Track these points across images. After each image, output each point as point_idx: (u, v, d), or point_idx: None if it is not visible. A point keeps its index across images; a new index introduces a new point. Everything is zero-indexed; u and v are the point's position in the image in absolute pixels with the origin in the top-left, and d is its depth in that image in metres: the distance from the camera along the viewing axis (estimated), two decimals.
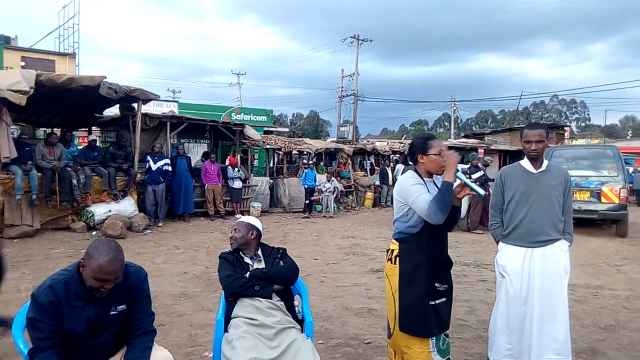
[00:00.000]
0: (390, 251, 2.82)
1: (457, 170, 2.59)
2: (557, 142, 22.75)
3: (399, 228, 2.77)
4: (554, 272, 3.14)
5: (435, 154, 2.69)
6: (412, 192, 2.63)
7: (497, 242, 3.38)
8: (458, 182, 2.61)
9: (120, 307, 2.21)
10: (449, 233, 2.85)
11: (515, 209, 3.23)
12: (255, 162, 15.65)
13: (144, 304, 2.31)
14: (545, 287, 3.13)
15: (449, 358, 2.77)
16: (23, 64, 20.08)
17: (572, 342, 3.99)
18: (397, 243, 2.77)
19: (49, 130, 11.91)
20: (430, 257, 2.66)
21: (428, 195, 2.57)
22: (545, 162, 3.25)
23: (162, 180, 10.59)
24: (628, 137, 53.94)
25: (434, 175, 2.78)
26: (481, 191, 2.60)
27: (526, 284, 3.16)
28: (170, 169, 10.85)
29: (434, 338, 2.68)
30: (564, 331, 3.15)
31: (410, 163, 2.89)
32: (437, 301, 2.68)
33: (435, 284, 2.67)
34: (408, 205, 2.68)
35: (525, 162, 3.27)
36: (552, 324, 3.12)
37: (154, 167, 10.49)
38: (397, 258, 2.74)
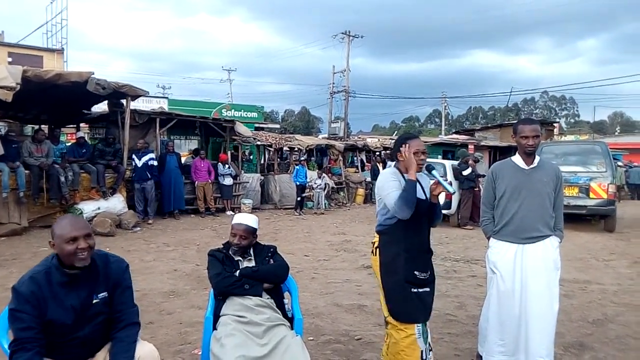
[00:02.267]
0: (373, 244, 2.95)
1: (433, 169, 2.82)
2: (546, 138, 22.98)
3: (379, 221, 2.91)
4: (544, 268, 3.15)
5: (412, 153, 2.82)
6: (386, 187, 2.80)
7: (488, 238, 3.39)
8: (433, 180, 2.80)
9: (101, 294, 2.21)
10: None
11: (507, 205, 3.23)
12: (252, 157, 15.57)
13: (126, 295, 2.30)
14: (536, 284, 3.13)
15: (429, 347, 2.84)
16: (10, 60, 19.82)
17: (561, 336, 4.05)
18: (378, 235, 2.91)
19: (36, 127, 11.77)
20: (409, 248, 2.78)
21: (397, 192, 2.73)
22: (537, 158, 3.25)
23: (149, 176, 10.50)
24: (616, 133, 54.52)
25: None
26: (451, 189, 2.76)
27: (518, 281, 3.16)
28: (155, 163, 10.77)
29: (419, 324, 2.78)
30: (553, 329, 3.17)
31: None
32: (420, 290, 2.79)
33: (415, 272, 2.77)
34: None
35: (516, 158, 3.27)
36: (543, 321, 3.12)
37: (139, 163, 10.40)
38: (378, 249, 2.88)
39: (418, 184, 2.81)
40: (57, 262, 2.14)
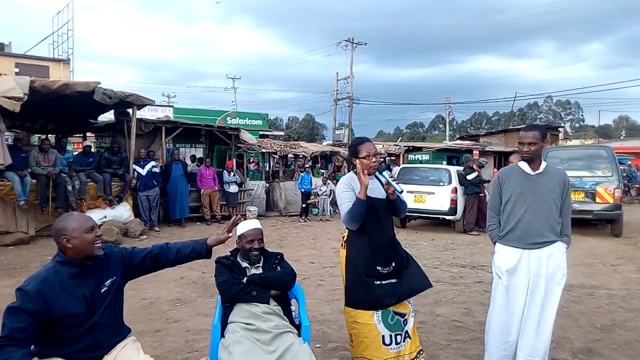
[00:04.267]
0: (343, 237, 3.14)
1: (384, 169, 3.00)
2: (551, 143, 22.89)
3: None
4: (550, 273, 3.15)
5: (362, 157, 2.96)
6: (340, 198, 3.02)
7: (494, 243, 3.40)
8: (384, 180, 2.96)
9: (108, 281, 2.32)
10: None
11: (512, 210, 3.25)
12: (251, 167, 15.60)
13: (136, 250, 2.52)
14: (541, 289, 3.14)
15: (401, 334, 2.94)
16: (17, 70, 20.03)
17: (569, 342, 4.05)
18: (347, 231, 3.09)
19: (43, 137, 11.87)
20: (371, 243, 2.93)
21: (348, 205, 2.92)
22: (544, 164, 3.27)
23: (155, 183, 10.58)
24: (622, 137, 54.27)
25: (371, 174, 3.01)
26: (399, 188, 2.89)
27: (523, 286, 3.17)
28: (158, 170, 10.84)
29: (379, 312, 2.90)
30: (549, 333, 3.20)
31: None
32: (384, 282, 2.92)
33: (377, 267, 2.91)
34: None
35: (523, 164, 3.29)
36: (541, 325, 3.16)
37: (143, 172, 10.47)
38: (346, 244, 3.06)
39: (377, 183, 2.99)
40: (64, 258, 2.22)
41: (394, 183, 2.89)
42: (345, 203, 2.94)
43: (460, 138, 30.88)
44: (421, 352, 3.05)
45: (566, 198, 3.25)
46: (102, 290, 2.28)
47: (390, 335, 2.91)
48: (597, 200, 9.99)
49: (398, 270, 2.98)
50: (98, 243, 2.26)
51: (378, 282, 2.91)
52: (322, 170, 16.99)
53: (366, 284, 2.91)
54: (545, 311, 3.16)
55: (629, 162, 24.11)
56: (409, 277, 3.01)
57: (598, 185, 10.03)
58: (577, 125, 77.56)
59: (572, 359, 3.71)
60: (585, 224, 10.74)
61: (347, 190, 2.99)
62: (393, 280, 2.94)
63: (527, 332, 3.17)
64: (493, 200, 3.43)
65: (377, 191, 2.97)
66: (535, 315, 3.15)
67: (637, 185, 21.15)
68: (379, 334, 2.89)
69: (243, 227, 2.99)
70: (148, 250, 2.53)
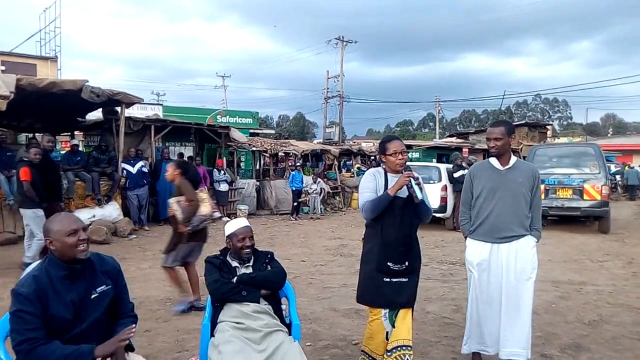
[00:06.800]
0: (363, 234, 3.21)
1: (416, 177, 2.90)
2: (539, 141, 23.12)
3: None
4: (519, 267, 3.22)
5: (389, 155, 3.00)
6: (361, 187, 3.07)
7: (466, 238, 3.45)
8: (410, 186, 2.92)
9: (99, 288, 2.25)
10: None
11: (482, 205, 3.32)
12: (242, 165, 15.56)
13: (124, 292, 2.42)
14: (510, 282, 3.22)
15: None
16: (3, 68, 19.71)
17: (557, 337, 4.09)
18: (366, 228, 3.14)
19: (30, 136, 11.73)
20: (385, 241, 2.95)
21: (369, 195, 2.97)
22: (514, 159, 3.33)
23: (145, 182, 10.53)
24: (609, 135, 54.97)
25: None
26: (419, 195, 2.89)
27: (493, 279, 3.25)
28: (146, 169, 10.78)
29: (386, 310, 2.96)
30: (527, 325, 3.25)
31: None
32: (394, 279, 2.94)
33: (388, 264, 2.94)
34: None
35: (493, 160, 3.36)
36: (516, 318, 3.21)
37: (134, 170, 10.42)
38: (363, 241, 3.12)
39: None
40: (54, 259, 2.17)
41: (416, 188, 2.87)
42: (366, 192, 2.99)
43: (450, 136, 31.03)
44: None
45: (536, 192, 3.30)
46: (92, 296, 2.21)
47: (391, 330, 2.96)
48: (585, 197, 10.09)
49: (411, 270, 3.01)
50: (81, 246, 2.17)
51: (387, 280, 2.93)
52: (313, 169, 16.99)
53: (375, 280, 2.94)
54: (521, 305, 3.21)
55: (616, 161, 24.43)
56: (413, 285, 3.04)
57: (586, 182, 10.13)
58: (565, 123, 78.26)
59: (560, 355, 3.75)
60: (573, 220, 10.86)
61: (371, 181, 3.03)
62: (403, 279, 2.96)
63: (506, 327, 3.22)
64: (465, 195, 3.51)
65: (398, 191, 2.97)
66: (510, 310, 3.21)
67: (624, 182, 21.41)
68: (383, 329, 2.96)
69: (232, 226, 2.98)
70: (123, 309, 2.37)
